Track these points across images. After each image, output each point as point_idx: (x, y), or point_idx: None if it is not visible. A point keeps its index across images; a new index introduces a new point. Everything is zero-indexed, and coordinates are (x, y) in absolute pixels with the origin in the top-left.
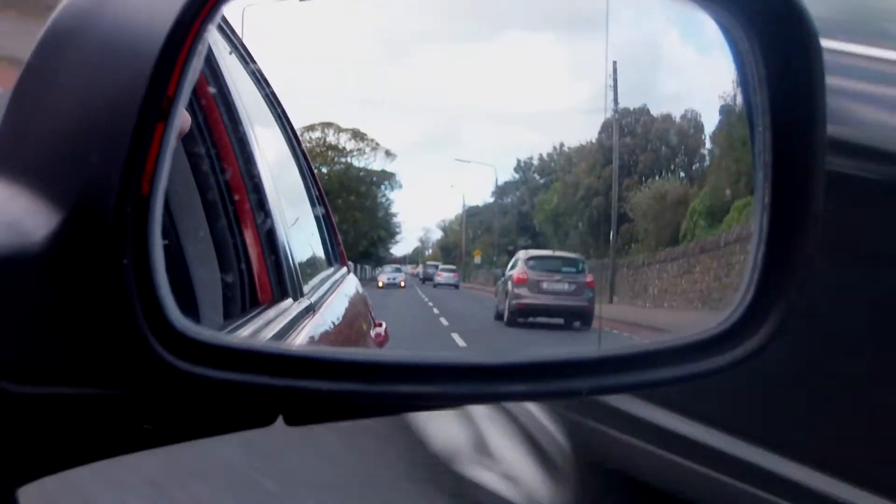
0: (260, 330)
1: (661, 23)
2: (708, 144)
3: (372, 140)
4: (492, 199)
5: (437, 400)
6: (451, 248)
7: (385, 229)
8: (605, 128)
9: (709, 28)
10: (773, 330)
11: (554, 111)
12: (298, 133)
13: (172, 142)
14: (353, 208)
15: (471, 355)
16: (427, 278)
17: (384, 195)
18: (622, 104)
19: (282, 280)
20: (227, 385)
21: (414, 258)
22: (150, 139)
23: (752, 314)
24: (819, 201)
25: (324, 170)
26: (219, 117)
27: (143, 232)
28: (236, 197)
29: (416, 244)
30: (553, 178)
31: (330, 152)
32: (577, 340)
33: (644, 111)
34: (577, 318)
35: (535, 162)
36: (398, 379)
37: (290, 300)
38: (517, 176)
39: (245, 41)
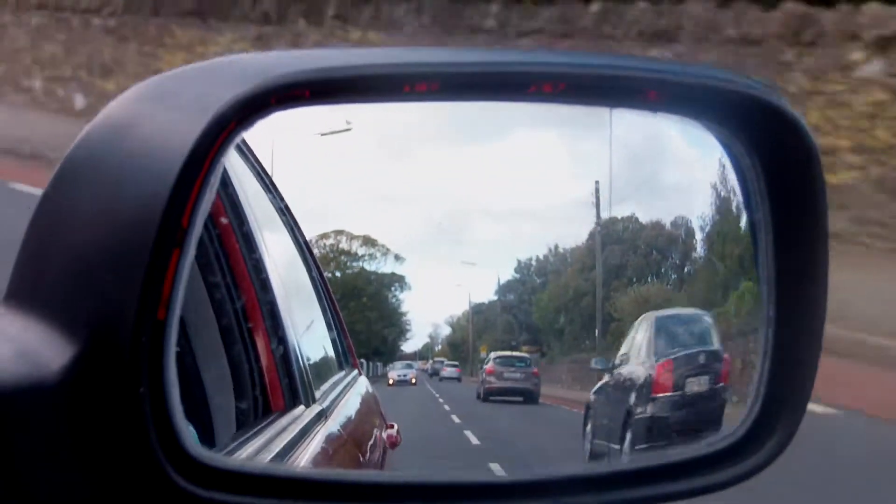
0: (272, 439)
1: (665, 124)
2: (699, 249)
3: (382, 245)
4: (495, 298)
5: None
6: (460, 343)
7: (396, 327)
8: (593, 235)
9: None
10: (781, 441)
11: (556, 207)
12: (312, 241)
13: (188, 269)
14: (365, 309)
15: (479, 474)
16: (434, 373)
17: (394, 296)
18: (615, 209)
19: (294, 388)
20: None
21: (424, 354)
22: (166, 267)
23: (759, 427)
24: (823, 314)
25: (337, 274)
26: (235, 244)
27: (158, 360)
28: (251, 323)
29: (427, 340)
30: (548, 279)
31: (343, 258)
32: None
33: (633, 219)
34: (527, 396)
35: (534, 263)
36: (409, 499)
37: (302, 407)
38: (517, 276)
39: (260, 160)
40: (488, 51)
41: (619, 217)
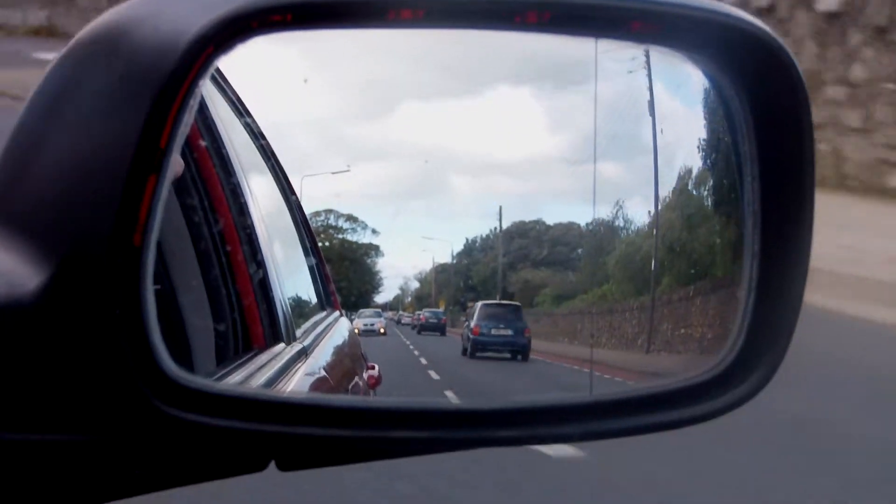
0: (252, 374)
1: (644, 80)
2: (602, 246)
3: (362, 222)
4: (453, 261)
5: (429, 445)
6: (425, 297)
7: (371, 284)
8: (505, 233)
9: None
10: (764, 375)
11: (533, 162)
12: (309, 218)
13: (165, 193)
14: (348, 270)
15: (463, 402)
16: (398, 321)
17: (371, 260)
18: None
19: (274, 324)
20: (219, 431)
21: (394, 305)
22: (143, 191)
23: (742, 360)
24: (808, 248)
25: (327, 244)
26: (212, 168)
27: (135, 282)
28: (229, 247)
29: (397, 292)
30: (484, 255)
31: (331, 230)
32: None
33: (539, 222)
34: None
35: (479, 241)
36: (390, 425)
37: (282, 344)
38: (463, 249)
39: (238, 92)
40: None
41: (527, 220)
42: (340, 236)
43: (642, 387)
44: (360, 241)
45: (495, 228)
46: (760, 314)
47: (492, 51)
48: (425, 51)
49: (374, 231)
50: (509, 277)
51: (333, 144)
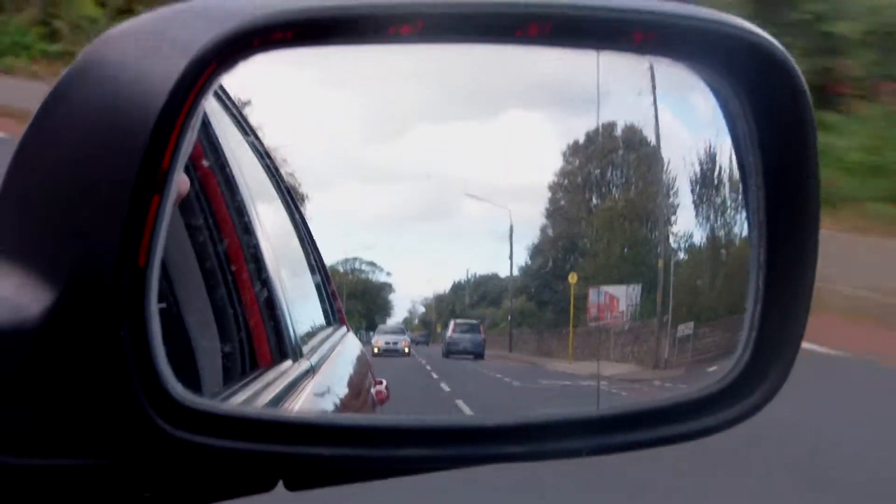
0: (259, 393)
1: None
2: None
3: (380, 266)
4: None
5: (437, 462)
6: (429, 321)
7: (384, 311)
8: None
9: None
10: (773, 385)
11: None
12: (338, 262)
13: (168, 213)
14: (367, 303)
15: (470, 418)
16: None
17: (385, 294)
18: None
19: (281, 342)
20: (227, 453)
21: (404, 328)
22: (147, 211)
23: (750, 371)
24: (815, 258)
25: (350, 279)
26: (216, 187)
27: (140, 303)
28: (234, 266)
29: (406, 315)
30: (463, 294)
31: (355, 272)
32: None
33: (495, 276)
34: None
35: (462, 280)
36: (398, 443)
37: (289, 362)
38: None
39: (242, 109)
40: None
41: (488, 274)
42: (363, 276)
43: (649, 401)
44: (377, 281)
45: (475, 275)
46: (767, 326)
47: (504, 73)
48: (438, 73)
49: (388, 273)
50: (474, 311)
51: (344, 165)
